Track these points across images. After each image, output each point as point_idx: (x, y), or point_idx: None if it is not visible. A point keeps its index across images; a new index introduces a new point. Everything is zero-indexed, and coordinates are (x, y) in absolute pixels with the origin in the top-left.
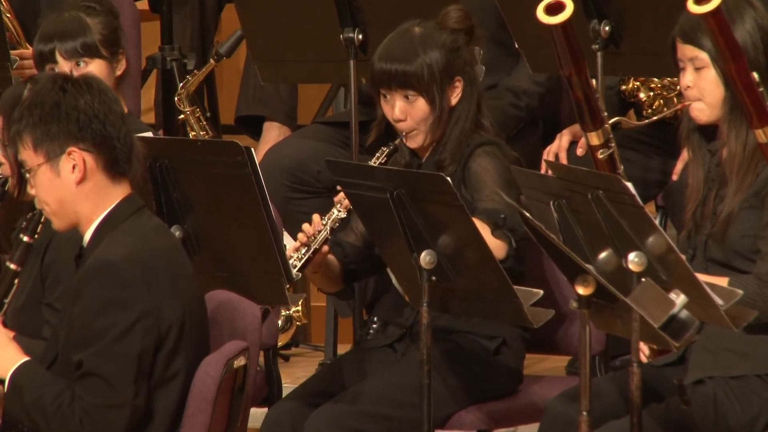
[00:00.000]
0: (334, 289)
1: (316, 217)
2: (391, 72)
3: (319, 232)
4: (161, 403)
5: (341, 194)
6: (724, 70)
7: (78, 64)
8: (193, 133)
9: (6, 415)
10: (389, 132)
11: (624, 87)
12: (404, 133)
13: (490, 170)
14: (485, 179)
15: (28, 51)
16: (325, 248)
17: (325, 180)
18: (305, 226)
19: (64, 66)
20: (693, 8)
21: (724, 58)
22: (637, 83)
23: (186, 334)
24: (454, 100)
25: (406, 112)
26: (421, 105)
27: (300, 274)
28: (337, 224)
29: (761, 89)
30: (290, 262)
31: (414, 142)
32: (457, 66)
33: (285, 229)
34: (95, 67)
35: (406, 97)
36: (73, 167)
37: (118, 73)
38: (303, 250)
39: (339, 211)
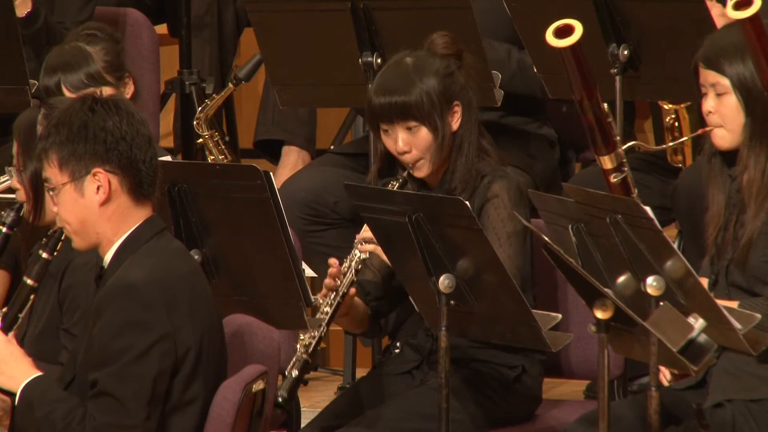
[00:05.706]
0: (361, 330)
1: (333, 261)
2: (390, 105)
3: (344, 275)
4: (179, 427)
5: (362, 233)
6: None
7: None
8: (212, 157)
9: (14, 427)
10: (390, 167)
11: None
12: (410, 165)
13: (504, 217)
14: (497, 225)
15: None
16: (353, 290)
17: (342, 211)
18: (331, 271)
19: None
20: (732, 14)
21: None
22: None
23: (204, 358)
24: (455, 125)
25: (410, 143)
26: (424, 134)
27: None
28: (360, 266)
29: None
30: (320, 310)
31: (421, 172)
32: (454, 90)
33: (304, 260)
34: None
35: (408, 128)
36: (98, 188)
37: (127, 96)
38: (332, 296)
39: (361, 253)
